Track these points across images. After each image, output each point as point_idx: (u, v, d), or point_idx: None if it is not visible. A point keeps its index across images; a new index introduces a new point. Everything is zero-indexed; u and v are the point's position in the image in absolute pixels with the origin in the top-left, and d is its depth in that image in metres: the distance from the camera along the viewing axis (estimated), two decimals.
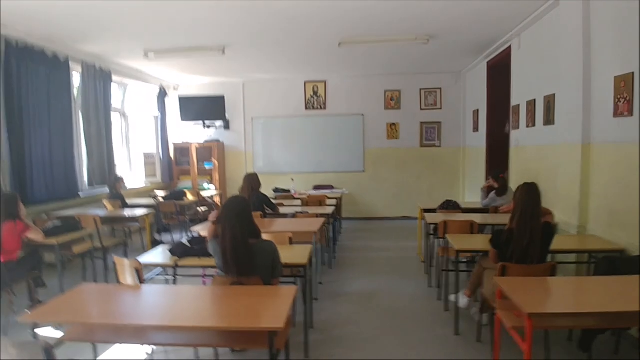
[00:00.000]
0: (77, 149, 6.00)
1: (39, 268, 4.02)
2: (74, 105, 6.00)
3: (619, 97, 3.33)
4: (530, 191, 2.90)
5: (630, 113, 3.20)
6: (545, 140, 4.68)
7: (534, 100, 4.92)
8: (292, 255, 3.18)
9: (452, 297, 3.78)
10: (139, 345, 3.09)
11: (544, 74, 4.68)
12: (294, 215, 4.93)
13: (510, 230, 2.90)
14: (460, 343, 3.27)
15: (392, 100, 8.52)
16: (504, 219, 3.58)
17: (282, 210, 5.30)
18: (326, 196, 6.38)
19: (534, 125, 4.95)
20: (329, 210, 5.49)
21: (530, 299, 2.22)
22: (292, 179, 7.60)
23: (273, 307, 2.19)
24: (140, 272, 2.73)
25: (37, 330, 2.52)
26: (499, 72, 6.24)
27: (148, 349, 3.09)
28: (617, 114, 3.37)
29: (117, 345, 3.09)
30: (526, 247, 2.80)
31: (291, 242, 3.60)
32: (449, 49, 6.35)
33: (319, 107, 8.73)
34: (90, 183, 6.36)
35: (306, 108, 8.76)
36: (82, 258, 4.88)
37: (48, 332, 3.33)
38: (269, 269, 2.63)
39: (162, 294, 2.63)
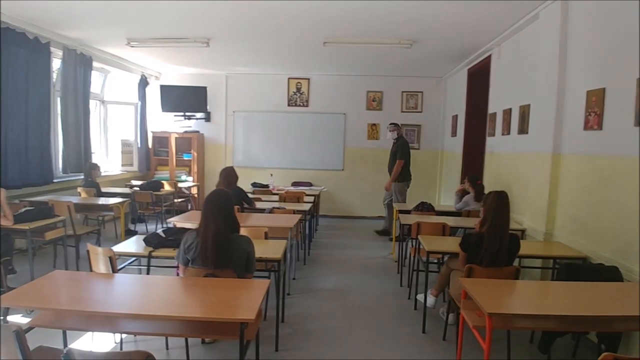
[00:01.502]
0: (53, 134, 5.90)
1: (10, 253, 3.96)
2: (53, 90, 5.89)
3: (590, 111, 3.46)
4: (501, 199, 3.02)
5: (600, 127, 3.33)
6: (518, 149, 4.83)
7: (510, 109, 5.07)
8: (267, 249, 3.22)
9: (419, 297, 3.89)
10: (109, 334, 3.09)
11: (521, 84, 4.83)
12: (271, 211, 4.96)
13: (480, 235, 3.01)
14: (427, 340, 3.37)
15: (374, 101, 8.62)
16: (475, 222, 3.69)
17: (259, 205, 5.32)
18: (304, 193, 6.43)
19: (508, 133, 5.10)
20: (306, 207, 5.53)
21: (492, 300, 2.32)
22: (271, 174, 7.62)
23: (245, 299, 2.23)
24: (113, 261, 2.73)
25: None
26: (479, 79, 6.38)
27: (117, 337, 3.09)
28: (587, 127, 3.50)
29: (87, 333, 3.08)
30: (496, 253, 2.93)
31: (267, 236, 3.64)
32: (431, 54, 6.47)
33: (301, 104, 8.77)
34: (65, 170, 6.26)
35: (288, 104, 8.78)
36: (54, 245, 4.82)
37: (17, 319, 3.31)
38: (243, 263, 2.67)
39: (135, 283, 2.64)
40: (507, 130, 5.14)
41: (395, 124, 6.76)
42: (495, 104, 5.65)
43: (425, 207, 5.30)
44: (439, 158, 8.58)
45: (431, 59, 6.80)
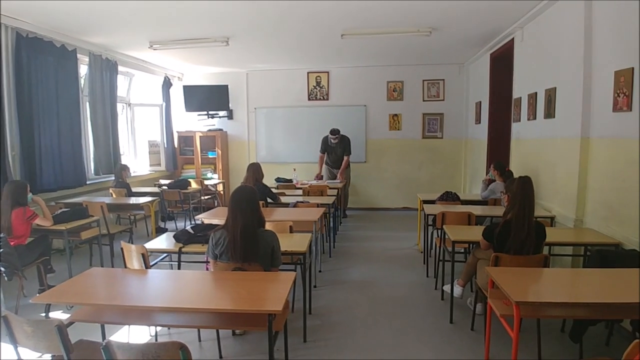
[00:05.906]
0: (84, 138, 6.11)
1: (48, 253, 4.14)
2: (81, 95, 6.08)
3: (618, 92, 3.36)
4: (527, 185, 2.99)
5: (629, 108, 3.23)
6: (545, 134, 4.72)
7: (536, 93, 4.94)
8: (292, 243, 3.28)
9: (446, 287, 3.87)
10: (144, 327, 3.21)
11: (546, 67, 4.70)
12: (295, 205, 5.01)
13: (506, 223, 2.98)
14: (455, 331, 3.36)
15: (395, 92, 8.54)
16: (502, 211, 3.65)
17: (283, 199, 5.38)
18: (327, 186, 6.45)
19: (534, 118, 4.98)
20: (330, 200, 5.57)
21: (519, 288, 2.30)
22: (294, 169, 7.67)
23: (272, 291, 2.29)
24: (146, 257, 2.83)
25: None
26: (502, 64, 6.24)
27: (152, 330, 3.21)
28: (616, 108, 3.40)
29: (124, 327, 3.21)
30: (524, 239, 2.89)
31: (292, 230, 3.69)
32: (452, 40, 6.35)
33: (321, 97, 8.77)
34: (96, 171, 6.47)
35: (309, 99, 8.80)
36: (89, 244, 5.01)
37: (58, 315, 3.47)
38: (269, 257, 2.73)
39: (167, 278, 2.73)
40: (533, 115, 5.02)
41: (337, 130, 7.47)
42: (520, 89, 5.52)
43: (450, 197, 5.25)
44: (463, 146, 8.45)
45: (452, 45, 6.68)
